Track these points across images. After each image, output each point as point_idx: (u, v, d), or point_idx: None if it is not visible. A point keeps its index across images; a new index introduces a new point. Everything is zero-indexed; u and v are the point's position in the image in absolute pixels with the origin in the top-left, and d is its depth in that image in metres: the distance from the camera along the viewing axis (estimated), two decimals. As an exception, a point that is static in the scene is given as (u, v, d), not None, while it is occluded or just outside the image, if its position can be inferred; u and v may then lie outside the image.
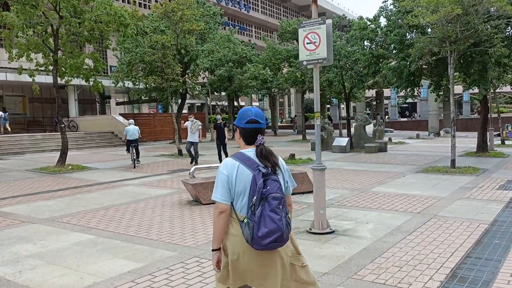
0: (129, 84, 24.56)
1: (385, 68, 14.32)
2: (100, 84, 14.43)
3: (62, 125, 13.77)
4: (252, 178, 2.42)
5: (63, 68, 13.77)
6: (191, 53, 21.77)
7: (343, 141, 18.25)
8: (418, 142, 23.63)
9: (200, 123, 14.30)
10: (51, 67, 13.59)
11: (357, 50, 16.83)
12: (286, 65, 25.84)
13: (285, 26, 25.05)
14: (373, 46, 15.86)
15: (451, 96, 12.50)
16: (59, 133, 25.28)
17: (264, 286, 2.52)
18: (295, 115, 43.31)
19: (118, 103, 40.92)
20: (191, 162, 14.11)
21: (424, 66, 14.63)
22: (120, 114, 27.29)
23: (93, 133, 24.35)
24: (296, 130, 38.40)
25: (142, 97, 27.48)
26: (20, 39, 13.54)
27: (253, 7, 59.08)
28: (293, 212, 7.23)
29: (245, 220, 2.42)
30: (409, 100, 57.81)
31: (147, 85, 23.38)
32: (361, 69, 17.49)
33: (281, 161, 2.59)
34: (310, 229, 6.02)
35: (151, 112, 39.88)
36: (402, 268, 4.49)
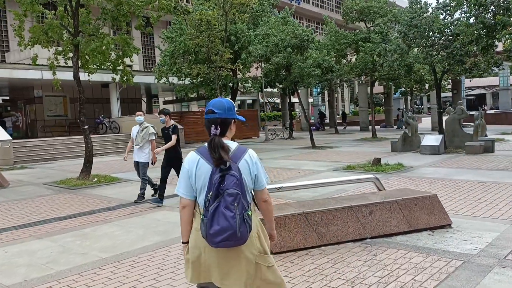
0: (173, 79, 21.91)
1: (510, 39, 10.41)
2: (130, 75, 11.58)
3: (86, 127, 11.05)
4: (211, 172, 2.35)
5: (86, 56, 11.06)
6: (242, 40, 18.66)
7: (436, 139, 14.36)
8: (522, 139, 19.09)
9: (153, 130, 8.35)
10: (70, 55, 10.92)
11: (456, 22, 12.89)
12: (352, 51, 22.15)
13: (351, 5, 21.36)
14: (483, 13, 11.93)
15: None
16: (100, 135, 23.25)
17: (227, 284, 2.41)
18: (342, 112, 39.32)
19: (165, 102, 38.86)
20: (154, 194, 8.38)
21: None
22: (165, 113, 24.69)
23: (135, 135, 21.84)
24: (346, 127, 34.41)
25: (189, 94, 24.86)
26: (36, 23, 10.97)
27: (304, -1, 55.32)
28: (442, 283, 3.80)
29: (201, 216, 2.35)
30: (476, 91, 51.64)
31: (193, 80, 20.61)
32: (460, 46, 13.53)
33: (249, 154, 2.48)
34: None
35: (200, 109, 37.30)
36: None
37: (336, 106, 59.67)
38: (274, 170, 11.97)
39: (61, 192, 9.81)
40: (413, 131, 15.56)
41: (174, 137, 7.89)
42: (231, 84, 21.09)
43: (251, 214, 2.38)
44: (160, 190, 7.92)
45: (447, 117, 15.60)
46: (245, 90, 28.95)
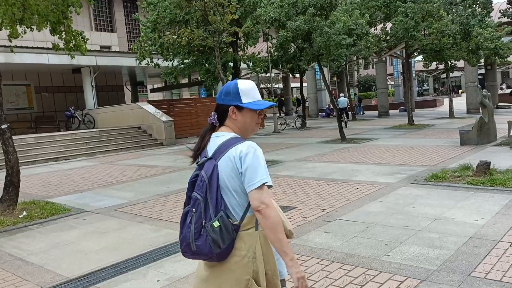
0: (158, 60, 17.50)
1: None
2: (81, 38, 7.16)
3: (4, 126, 6.63)
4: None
5: None
6: (245, 2, 14.22)
7: (534, 126, 10.12)
8: None
9: None
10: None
11: None
12: (381, 17, 17.80)
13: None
14: None
15: None
16: (67, 132, 18.73)
17: None
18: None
19: (152, 90, 34.35)
20: None
21: None
22: (150, 102, 20.24)
23: (112, 130, 17.43)
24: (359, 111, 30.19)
25: (178, 79, 20.47)
26: None
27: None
28: None
29: None
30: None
31: (183, 59, 16.25)
32: None
33: (237, 147, 1.84)
34: None
35: (194, 98, 32.69)
36: None
37: (334, 91, 55.28)
38: (312, 182, 7.69)
39: (-51, 247, 5.44)
40: (490, 116, 11.33)
41: None
42: (231, 63, 16.75)
43: (218, 226, 1.81)
44: None
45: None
46: (248, 73, 24.68)
